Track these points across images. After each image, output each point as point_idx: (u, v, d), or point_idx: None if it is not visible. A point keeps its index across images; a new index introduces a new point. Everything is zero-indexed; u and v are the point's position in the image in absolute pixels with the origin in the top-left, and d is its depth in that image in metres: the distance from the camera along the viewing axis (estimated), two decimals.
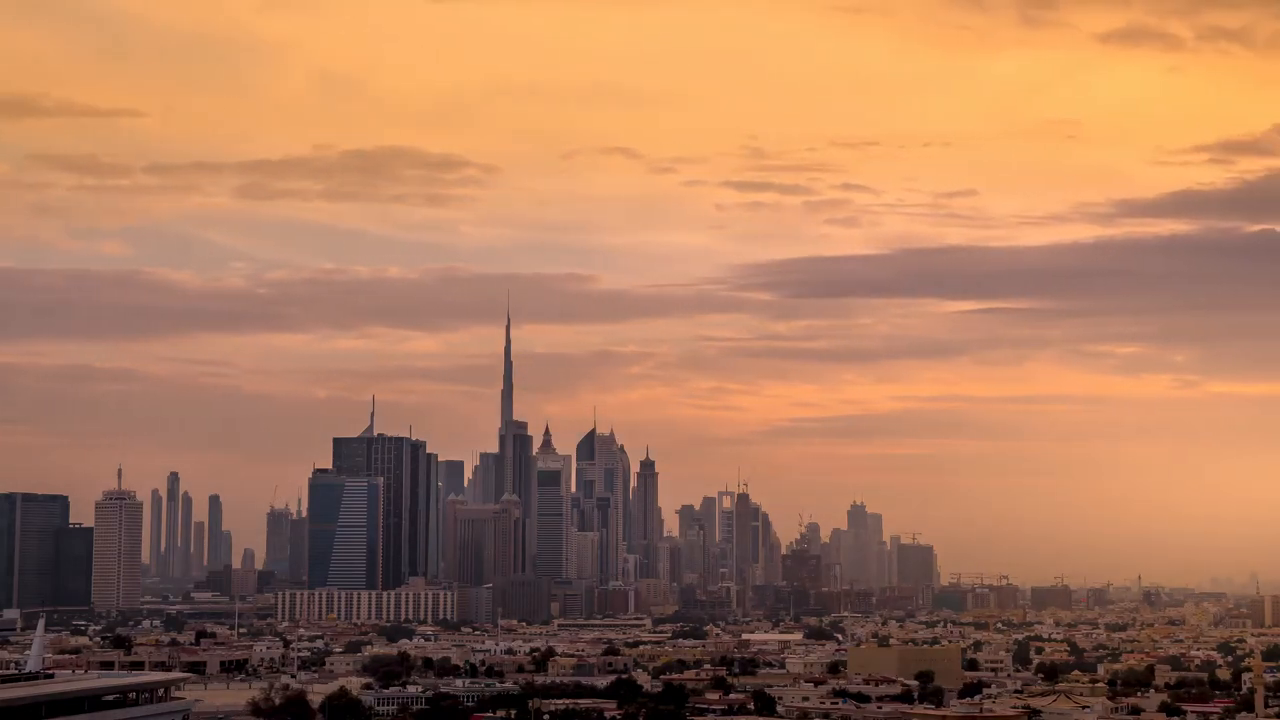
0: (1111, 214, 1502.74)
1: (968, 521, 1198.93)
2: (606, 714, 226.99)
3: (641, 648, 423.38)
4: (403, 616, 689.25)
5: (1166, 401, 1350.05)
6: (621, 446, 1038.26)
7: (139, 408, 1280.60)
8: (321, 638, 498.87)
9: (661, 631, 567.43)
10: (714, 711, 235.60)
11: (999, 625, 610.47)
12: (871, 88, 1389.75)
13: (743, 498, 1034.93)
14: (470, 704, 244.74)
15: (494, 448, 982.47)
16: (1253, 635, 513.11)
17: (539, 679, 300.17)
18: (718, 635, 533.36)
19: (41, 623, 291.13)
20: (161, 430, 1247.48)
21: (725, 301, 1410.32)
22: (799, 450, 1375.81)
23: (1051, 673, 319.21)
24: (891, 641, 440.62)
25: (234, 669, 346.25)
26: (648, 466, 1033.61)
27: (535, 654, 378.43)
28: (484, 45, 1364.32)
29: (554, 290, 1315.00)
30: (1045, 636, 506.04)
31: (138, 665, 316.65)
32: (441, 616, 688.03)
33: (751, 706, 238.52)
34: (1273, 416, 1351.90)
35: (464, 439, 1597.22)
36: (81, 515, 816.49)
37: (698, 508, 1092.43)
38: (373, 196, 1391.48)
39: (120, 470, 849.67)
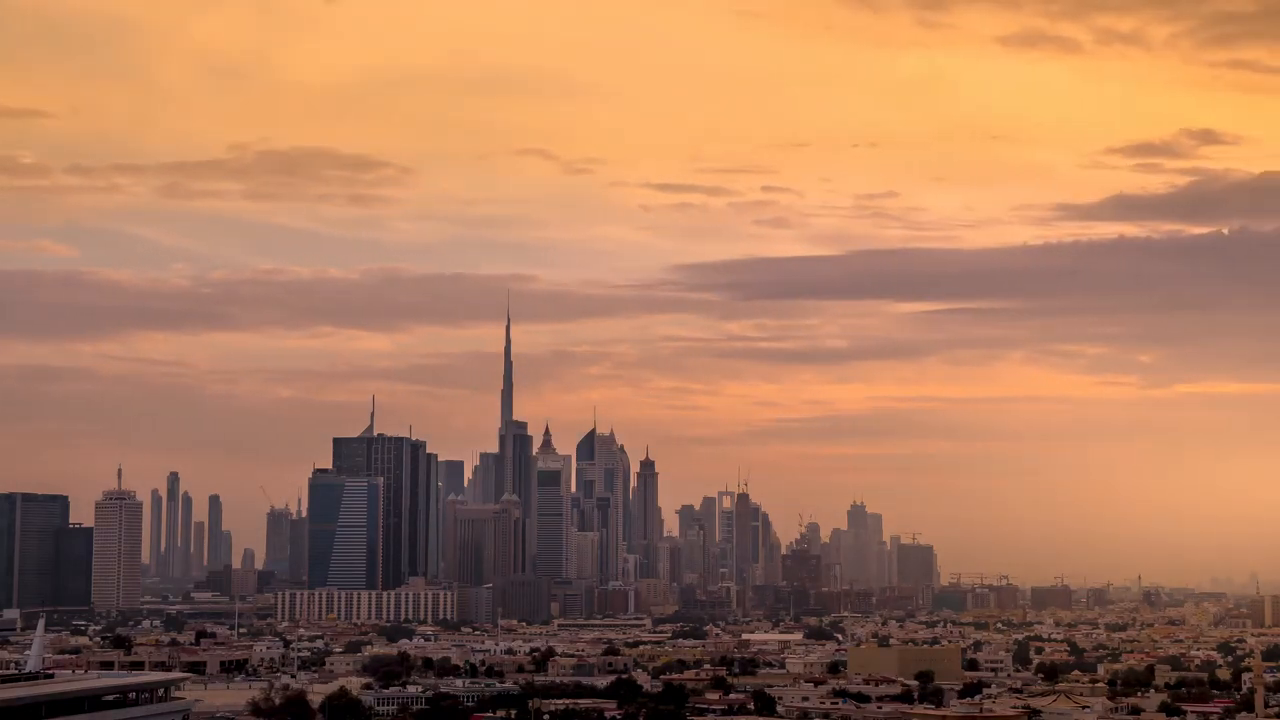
0: (1051, 217, 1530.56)
1: (968, 521, 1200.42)
2: (606, 714, 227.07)
3: (641, 648, 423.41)
4: (403, 616, 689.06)
5: (1143, 401, 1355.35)
6: (621, 447, 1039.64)
7: (103, 407, 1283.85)
8: (321, 638, 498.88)
9: (661, 631, 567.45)
10: (714, 711, 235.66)
11: (999, 625, 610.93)
12: (786, 89, 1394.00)
13: (743, 498, 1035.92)
14: (470, 704, 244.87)
15: (492, 448, 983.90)
16: (1253, 635, 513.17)
17: (539, 679, 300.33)
18: (718, 635, 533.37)
19: (41, 623, 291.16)
20: (132, 429, 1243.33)
21: (673, 302, 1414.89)
22: (784, 451, 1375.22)
23: (1051, 673, 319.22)
24: (891, 641, 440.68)
25: (234, 669, 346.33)
26: (648, 466, 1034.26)
27: (535, 654, 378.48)
28: (390, 35, 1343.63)
29: (500, 290, 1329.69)
30: (1045, 636, 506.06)
31: (138, 665, 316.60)
32: (441, 616, 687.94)
33: (751, 706, 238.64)
34: (1244, 416, 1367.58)
35: (463, 439, 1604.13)
36: (81, 515, 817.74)
37: (698, 508, 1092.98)
38: (295, 197, 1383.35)
39: (120, 470, 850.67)
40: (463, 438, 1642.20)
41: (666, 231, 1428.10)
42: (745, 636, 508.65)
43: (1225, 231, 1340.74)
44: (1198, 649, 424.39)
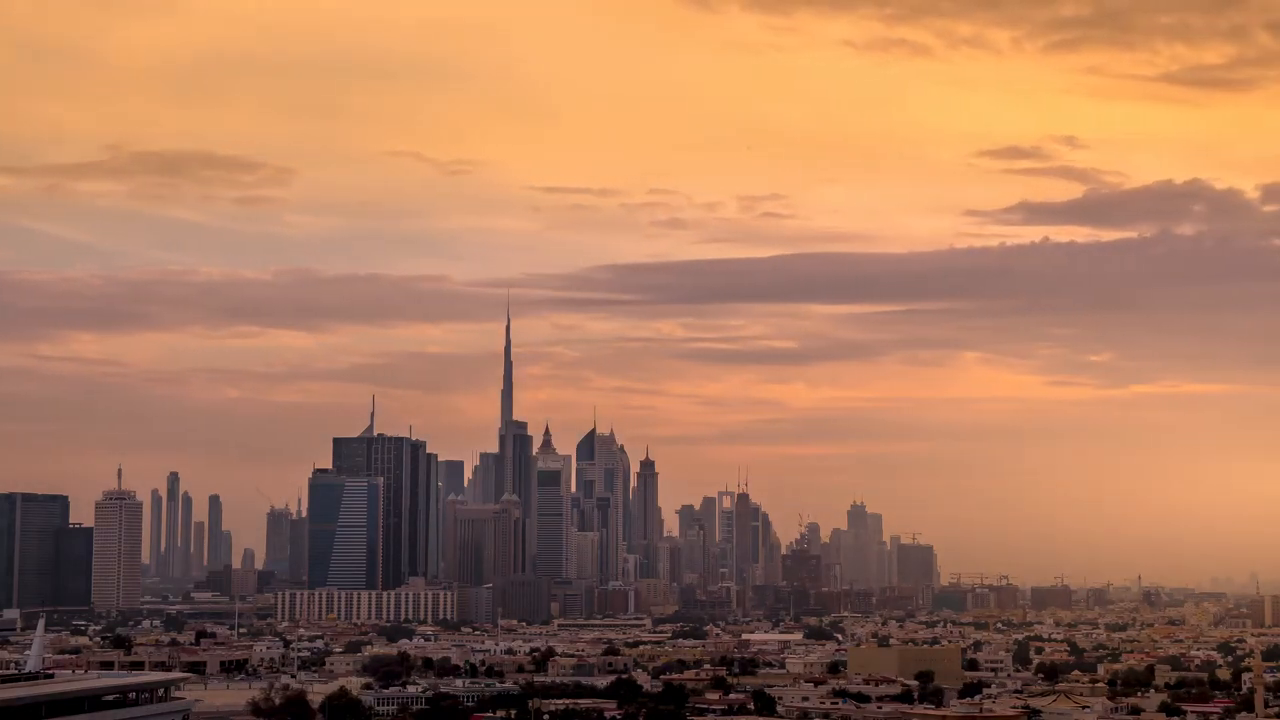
0: (961, 221, 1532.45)
1: (968, 522, 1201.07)
2: (606, 714, 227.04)
3: (641, 648, 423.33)
4: (403, 616, 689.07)
5: (1104, 401, 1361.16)
6: (621, 447, 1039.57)
7: (53, 407, 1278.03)
8: (321, 638, 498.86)
9: (661, 631, 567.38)
10: (714, 711, 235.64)
11: (999, 625, 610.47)
12: (660, 91, 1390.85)
13: (742, 498, 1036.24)
14: (470, 704, 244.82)
15: (492, 448, 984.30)
16: (1253, 635, 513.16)
17: (539, 679, 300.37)
18: (718, 635, 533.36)
19: (41, 623, 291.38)
20: (84, 429, 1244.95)
21: (593, 303, 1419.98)
22: (751, 451, 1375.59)
23: (1051, 673, 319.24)
24: (891, 641, 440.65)
25: (234, 669, 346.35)
26: (648, 466, 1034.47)
27: (535, 654, 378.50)
28: (248, 17, 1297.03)
29: (417, 290, 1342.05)
30: (1045, 636, 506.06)
31: (138, 665, 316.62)
32: (441, 616, 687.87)
33: (751, 706, 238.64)
34: (1211, 415, 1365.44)
35: (463, 439, 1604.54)
36: (81, 515, 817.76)
37: (698, 508, 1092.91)
38: (179, 199, 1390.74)
39: (120, 470, 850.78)
40: (462, 438, 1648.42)
41: (571, 232, 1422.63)
42: (745, 636, 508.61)
43: (1147, 235, 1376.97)
44: (1198, 649, 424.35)
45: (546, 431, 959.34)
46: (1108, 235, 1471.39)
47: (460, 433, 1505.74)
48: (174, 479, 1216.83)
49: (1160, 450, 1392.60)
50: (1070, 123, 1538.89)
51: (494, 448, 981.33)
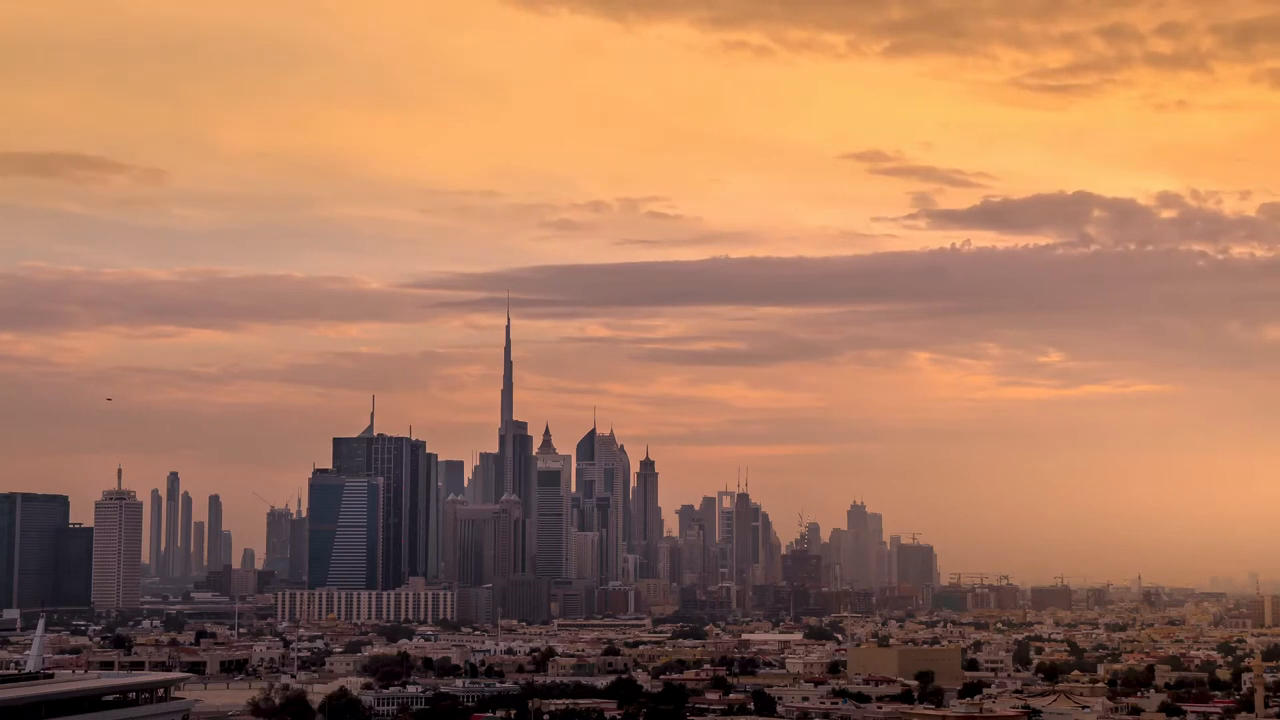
0: (863, 223, 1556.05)
1: (968, 522, 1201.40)
2: (606, 714, 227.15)
3: (641, 648, 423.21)
4: (403, 616, 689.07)
5: (1065, 401, 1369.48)
6: (621, 447, 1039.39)
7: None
8: (321, 638, 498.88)
9: (661, 631, 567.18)
10: (714, 711, 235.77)
11: (999, 625, 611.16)
12: (525, 90, 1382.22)
13: (742, 498, 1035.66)
14: (470, 704, 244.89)
15: (491, 448, 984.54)
16: (1253, 635, 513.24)
17: (539, 679, 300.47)
18: (718, 635, 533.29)
19: (41, 623, 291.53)
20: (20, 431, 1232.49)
21: (511, 303, 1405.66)
22: (704, 452, 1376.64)
23: (1051, 673, 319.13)
24: (891, 641, 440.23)
25: (234, 669, 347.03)
26: (647, 466, 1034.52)
27: (535, 654, 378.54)
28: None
29: (323, 292, 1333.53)
30: (1045, 636, 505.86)
31: (138, 665, 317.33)
32: (441, 616, 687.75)
33: (751, 706, 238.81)
34: (1173, 414, 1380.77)
35: (463, 439, 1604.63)
36: (81, 515, 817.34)
37: (698, 508, 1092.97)
38: (41, 199, 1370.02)
39: (120, 470, 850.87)
40: (462, 438, 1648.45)
41: (468, 234, 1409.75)
42: (745, 636, 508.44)
43: (1054, 241, 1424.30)
44: (1198, 649, 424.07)
45: (546, 431, 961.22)
46: (1017, 240, 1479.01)
47: (461, 433, 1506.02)
48: (174, 479, 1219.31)
49: (1146, 450, 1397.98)
50: (927, 126, 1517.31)
51: (493, 448, 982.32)
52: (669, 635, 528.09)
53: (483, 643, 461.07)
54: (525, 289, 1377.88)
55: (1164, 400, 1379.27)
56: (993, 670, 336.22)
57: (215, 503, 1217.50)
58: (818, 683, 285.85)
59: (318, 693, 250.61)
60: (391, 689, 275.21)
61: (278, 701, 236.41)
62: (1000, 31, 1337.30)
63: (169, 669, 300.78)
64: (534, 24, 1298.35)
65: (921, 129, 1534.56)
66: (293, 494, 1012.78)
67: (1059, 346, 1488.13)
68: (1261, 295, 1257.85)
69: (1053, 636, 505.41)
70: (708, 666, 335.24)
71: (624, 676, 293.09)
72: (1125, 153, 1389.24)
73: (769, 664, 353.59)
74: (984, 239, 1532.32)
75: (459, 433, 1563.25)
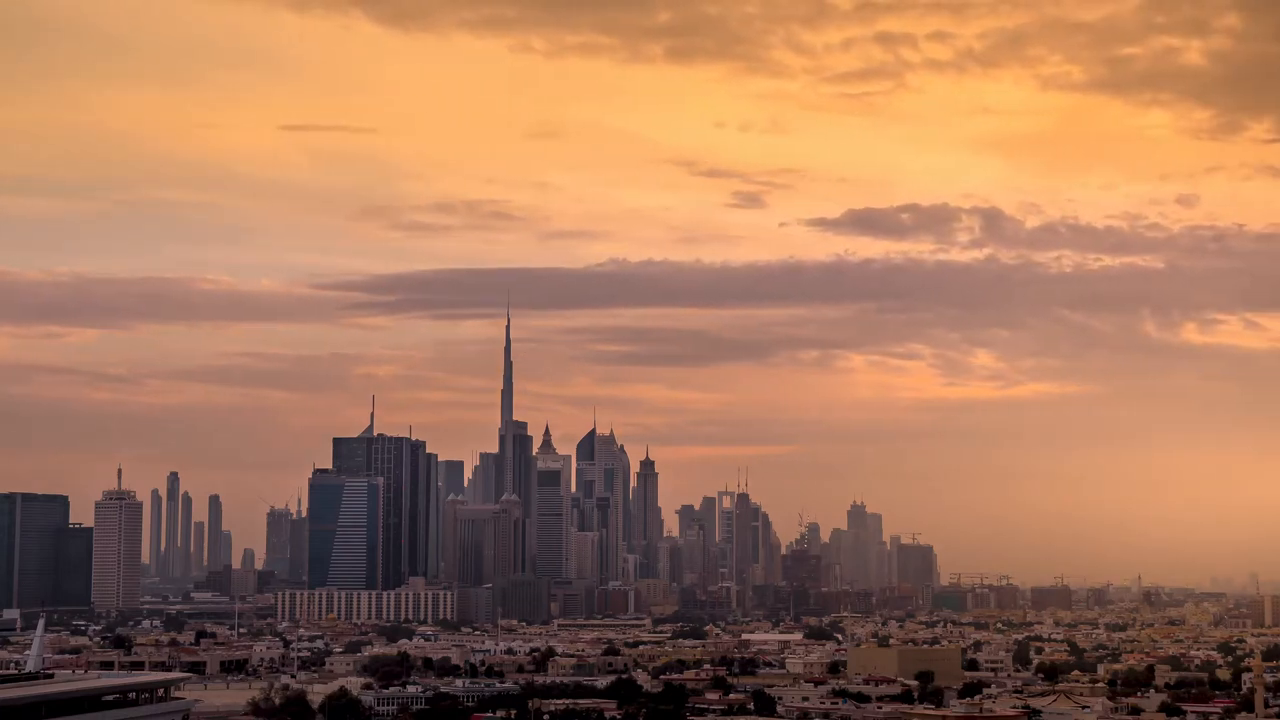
0: (725, 229, 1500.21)
1: (968, 522, 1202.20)
2: (606, 714, 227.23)
3: (641, 648, 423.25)
4: (403, 616, 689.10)
5: (1007, 401, 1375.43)
6: (621, 447, 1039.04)
7: None
8: (321, 638, 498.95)
9: (661, 631, 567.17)
10: (714, 711, 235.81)
11: (999, 625, 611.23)
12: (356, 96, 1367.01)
13: (742, 498, 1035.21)
14: (470, 704, 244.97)
15: (492, 448, 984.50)
16: (1253, 635, 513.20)
17: (539, 679, 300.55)
18: (718, 635, 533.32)
19: (41, 623, 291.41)
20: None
21: (414, 304, 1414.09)
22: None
23: (1051, 673, 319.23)
24: (891, 641, 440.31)
25: (234, 669, 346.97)
26: (647, 466, 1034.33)
27: (535, 654, 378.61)
28: None
29: (202, 293, 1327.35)
30: (1045, 636, 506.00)
31: (138, 665, 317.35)
32: (441, 616, 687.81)
33: (751, 706, 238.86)
34: (1117, 412, 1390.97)
35: (462, 439, 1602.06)
36: (81, 515, 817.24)
37: (698, 508, 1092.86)
38: None
39: (120, 470, 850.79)
40: (462, 438, 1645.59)
41: (361, 239, 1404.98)
42: (745, 636, 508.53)
43: (930, 247, 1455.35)
44: (1198, 649, 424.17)
45: (546, 431, 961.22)
46: (891, 246, 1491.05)
47: (460, 433, 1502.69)
48: (174, 479, 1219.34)
49: (1146, 450, 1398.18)
50: (746, 132, 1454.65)
51: (492, 448, 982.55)
52: (669, 635, 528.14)
53: (483, 643, 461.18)
54: (436, 291, 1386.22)
55: (1165, 400, 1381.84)
56: (993, 670, 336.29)
57: (215, 503, 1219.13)
58: (818, 683, 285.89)
59: (318, 693, 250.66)
60: (391, 689, 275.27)
61: (278, 701, 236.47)
62: (783, 39, 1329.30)
63: (169, 669, 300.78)
64: (325, 32, 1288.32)
65: (733, 133, 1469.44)
66: (293, 494, 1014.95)
67: (988, 347, 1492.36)
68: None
69: (1053, 636, 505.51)
70: (708, 666, 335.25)
71: (624, 676, 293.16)
72: (943, 155, 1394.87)
73: (769, 664, 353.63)
74: (863, 245, 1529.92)
75: (459, 433, 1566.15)
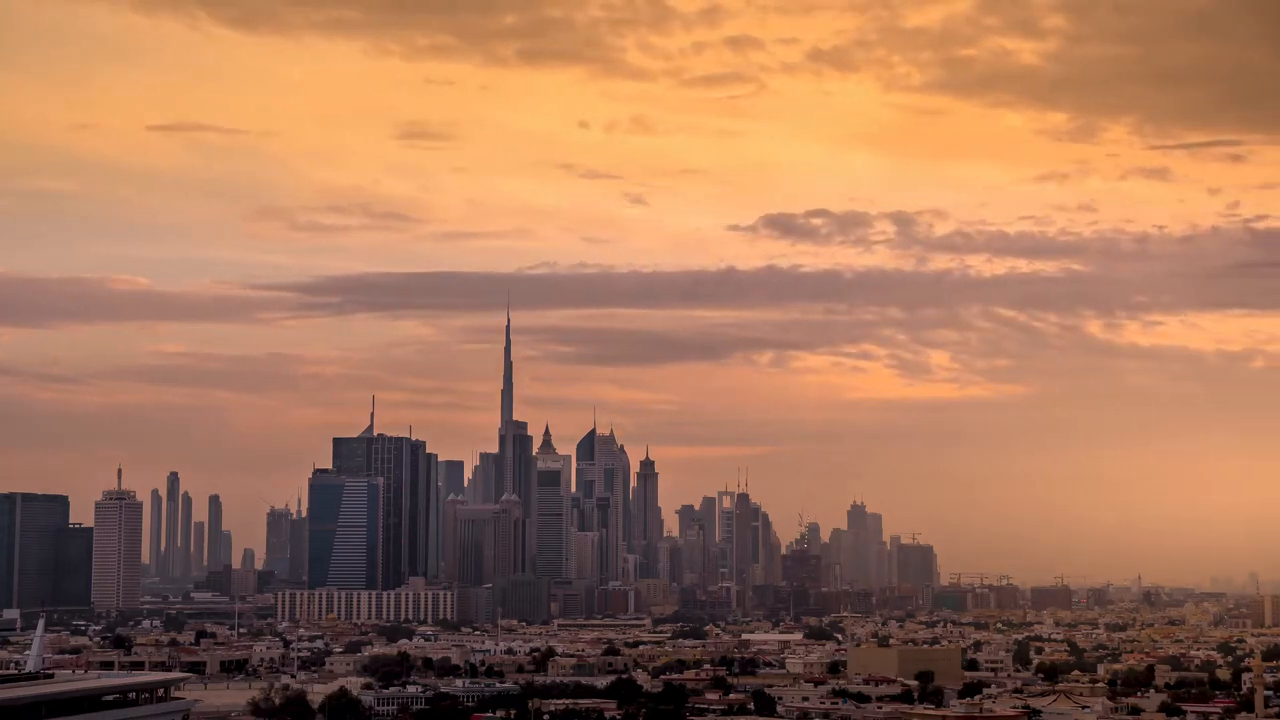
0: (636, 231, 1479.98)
1: (968, 522, 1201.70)
2: (606, 714, 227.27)
3: (641, 648, 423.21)
4: (403, 616, 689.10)
5: (969, 401, 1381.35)
6: (622, 447, 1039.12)
7: None
8: (321, 638, 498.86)
9: (661, 631, 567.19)
10: (714, 711, 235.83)
11: (999, 625, 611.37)
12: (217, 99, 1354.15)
13: (742, 498, 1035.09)
14: (470, 704, 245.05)
15: (491, 448, 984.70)
16: (1253, 635, 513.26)
17: (539, 679, 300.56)
18: (718, 635, 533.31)
19: (41, 623, 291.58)
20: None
21: (336, 306, 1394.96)
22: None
23: (1051, 673, 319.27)
24: (891, 641, 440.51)
25: (234, 669, 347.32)
26: (647, 466, 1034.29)
27: (535, 654, 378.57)
28: None
29: (113, 293, 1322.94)
30: (1045, 636, 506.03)
31: (138, 665, 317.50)
32: (441, 616, 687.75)
33: (751, 706, 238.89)
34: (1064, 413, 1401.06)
35: (462, 439, 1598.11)
36: (81, 515, 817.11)
37: (698, 508, 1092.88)
38: None
39: (120, 470, 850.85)
40: (460, 438, 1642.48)
41: (287, 244, 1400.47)
42: (745, 636, 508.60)
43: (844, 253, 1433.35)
44: (1198, 649, 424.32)
45: (546, 431, 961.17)
46: (817, 250, 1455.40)
47: (460, 433, 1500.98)
48: (174, 479, 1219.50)
49: (1147, 449, 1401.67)
50: (611, 132, 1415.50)
51: (493, 448, 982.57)
52: (669, 635, 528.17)
53: (483, 643, 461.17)
54: (333, 294, 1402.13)
55: (1162, 397, 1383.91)
56: (993, 670, 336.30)
57: (215, 503, 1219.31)
58: (818, 683, 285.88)
59: (318, 693, 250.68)
60: (391, 689, 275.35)
61: (278, 701, 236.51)
62: (635, 42, 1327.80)
63: (169, 669, 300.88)
64: (180, 32, 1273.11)
65: (598, 133, 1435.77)
66: (292, 494, 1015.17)
67: (940, 348, 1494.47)
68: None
69: (1053, 636, 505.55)
70: (708, 666, 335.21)
71: (624, 676, 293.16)
72: (825, 156, 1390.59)
73: (769, 664, 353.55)
74: (787, 249, 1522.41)
75: (459, 433, 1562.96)
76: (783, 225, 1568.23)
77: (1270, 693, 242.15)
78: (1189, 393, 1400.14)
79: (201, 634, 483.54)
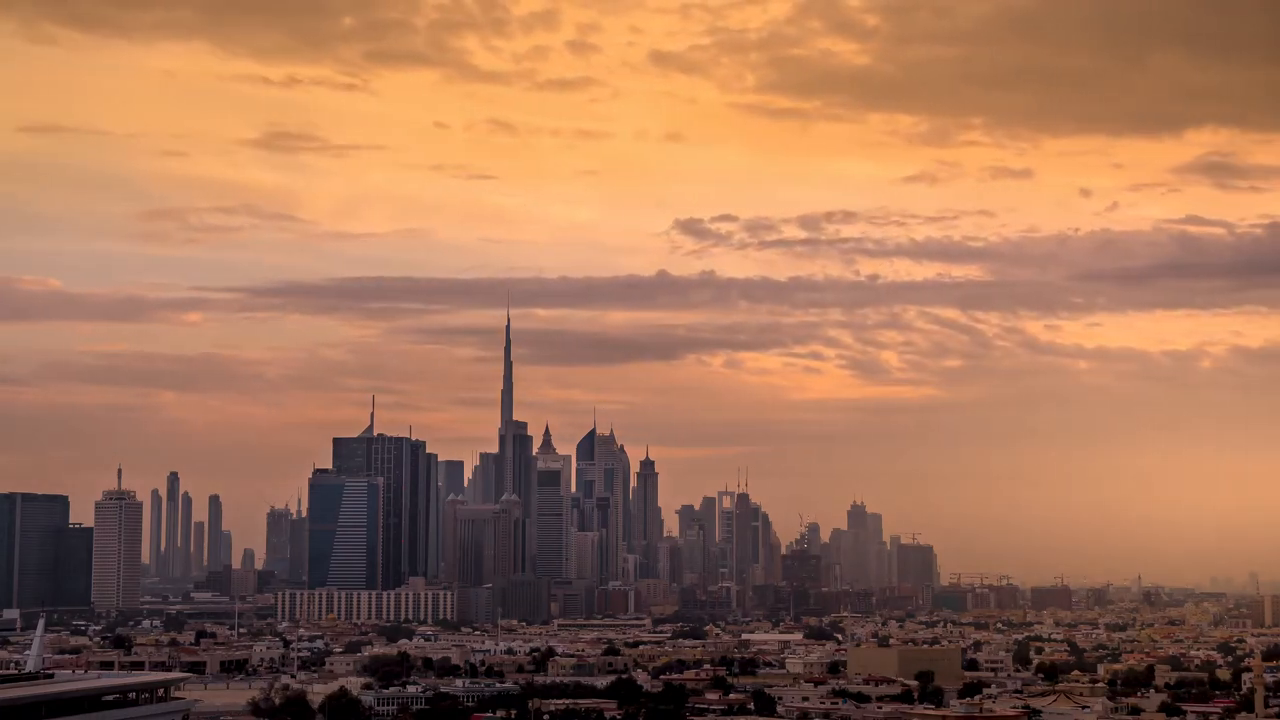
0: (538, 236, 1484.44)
1: (968, 522, 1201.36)
2: (606, 714, 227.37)
3: (641, 648, 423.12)
4: (403, 616, 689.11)
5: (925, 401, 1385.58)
6: (621, 447, 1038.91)
7: None
8: (321, 638, 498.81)
9: (661, 631, 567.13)
10: (714, 711, 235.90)
11: (999, 625, 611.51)
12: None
13: (742, 498, 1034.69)
14: (470, 704, 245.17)
15: (490, 448, 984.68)
16: (1253, 635, 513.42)
17: (539, 679, 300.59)
18: (718, 635, 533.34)
19: (41, 623, 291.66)
20: None
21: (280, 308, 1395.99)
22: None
23: (1051, 673, 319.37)
24: (891, 641, 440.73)
25: (234, 669, 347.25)
26: (647, 466, 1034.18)
27: (535, 654, 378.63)
28: None
29: (31, 294, 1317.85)
30: (1045, 636, 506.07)
31: (138, 665, 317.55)
32: (441, 616, 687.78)
33: (751, 706, 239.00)
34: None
35: (463, 439, 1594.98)
36: (81, 515, 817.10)
37: (698, 508, 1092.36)
38: None
39: (120, 470, 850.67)
40: (459, 438, 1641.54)
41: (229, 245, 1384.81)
42: (745, 636, 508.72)
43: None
44: (1198, 649, 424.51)
45: (546, 431, 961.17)
46: (743, 255, 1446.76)
47: (459, 433, 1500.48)
48: (174, 479, 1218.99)
49: (1147, 449, 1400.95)
50: (471, 131, 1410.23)
51: (491, 448, 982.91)
52: (669, 635, 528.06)
53: (483, 643, 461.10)
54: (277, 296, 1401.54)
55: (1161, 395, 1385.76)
56: (993, 670, 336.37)
57: (215, 503, 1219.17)
58: (818, 683, 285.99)
59: (318, 693, 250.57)
60: (391, 689, 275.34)
61: (278, 701, 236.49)
62: (480, 45, 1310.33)
63: (169, 669, 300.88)
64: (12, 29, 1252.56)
65: (459, 133, 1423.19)
66: (292, 494, 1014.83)
67: (888, 349, 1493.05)
68: None
69: (1053, 636, 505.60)
70: (708, 666, 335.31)
71: (624, 676, 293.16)
72: (704, 158, 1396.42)
73: (769, 664, 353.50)
74: (701, 251, 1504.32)
75: (459, 433, 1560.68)
76: (695, 230, 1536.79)
77: (1270, 693, 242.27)
78: (1146, 392, 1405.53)
79: (201, 634, 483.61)
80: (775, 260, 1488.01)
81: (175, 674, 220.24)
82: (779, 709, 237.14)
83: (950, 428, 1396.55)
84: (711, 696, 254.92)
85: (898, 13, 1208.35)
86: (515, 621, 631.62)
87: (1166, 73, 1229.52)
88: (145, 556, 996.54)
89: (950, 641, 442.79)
